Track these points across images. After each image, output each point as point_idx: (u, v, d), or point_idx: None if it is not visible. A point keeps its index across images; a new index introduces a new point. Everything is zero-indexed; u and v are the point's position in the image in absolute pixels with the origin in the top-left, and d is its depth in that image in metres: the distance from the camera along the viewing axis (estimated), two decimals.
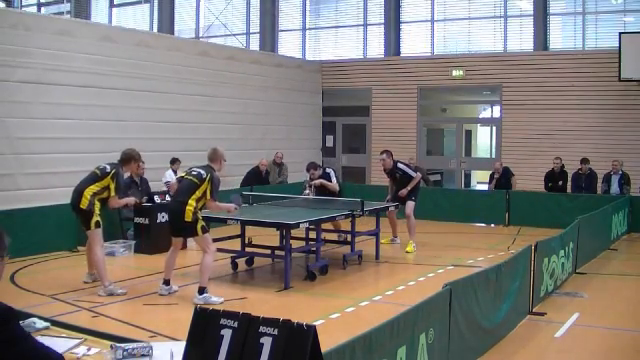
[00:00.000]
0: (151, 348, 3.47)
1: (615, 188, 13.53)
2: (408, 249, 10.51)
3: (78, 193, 7.67)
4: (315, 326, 2.81)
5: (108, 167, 7.81)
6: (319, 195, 10.95)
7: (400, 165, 10.97)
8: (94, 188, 7.67)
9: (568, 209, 12.42)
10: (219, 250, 8.70)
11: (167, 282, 7.65)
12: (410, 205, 10.73)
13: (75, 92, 11.82)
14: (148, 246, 10.16)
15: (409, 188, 10.73)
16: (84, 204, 7.60)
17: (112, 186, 7.71)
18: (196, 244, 7.90)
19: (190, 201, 7.28)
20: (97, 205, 7.68)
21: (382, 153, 11.06)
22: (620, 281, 8.77)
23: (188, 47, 14.90)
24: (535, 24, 16.21)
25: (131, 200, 8.81)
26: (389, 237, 11.12)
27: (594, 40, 15.86)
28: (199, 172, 7.50)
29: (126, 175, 8.43)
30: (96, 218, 7.65)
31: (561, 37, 16.49)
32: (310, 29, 19.61)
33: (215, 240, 8.72)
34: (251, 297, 7.58)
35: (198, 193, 7.36)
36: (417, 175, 10.93)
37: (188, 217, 7.26)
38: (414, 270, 9.25)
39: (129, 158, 8.01)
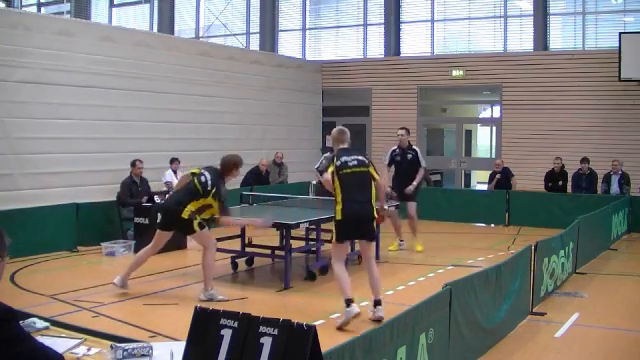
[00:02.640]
0: (151, 348, 3.47)
1: (615, 188, 13.53)
2: (419, 249, 10.37)
3: (176, 208, 7.20)
4: (315, 326, 2.81)
5: (210, 182, 7.21)
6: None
7: (415, 147, 10.60)
8: (194, 206, 7.17)
9: (568, 209, 12.41)
10: (219, 250, 8.71)
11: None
12: (413, 205, 10.41)
13: (75, 92, 11.82)
14: None
15: (415, 184, 10.25)
16: (185, 214, 7.14)
17: (214, 204, 7.19)
18: (196, 243, 7.78)
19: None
20: (200, 215, 7.25)
21: (401, 129, 10.67)
22: (620, 281, 8.76)
23: (188, 47, 14.90)
24: (535, 24, 16.22)
25: (257, 221, 7.76)
26: (396, 242, 10.68)
27: (594, 40, 15.87)
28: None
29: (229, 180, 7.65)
30: (198, 220, 7.21)
31: (561, 37, 16.50)
32: (310, 29, 19.61)
33: (215, 240, 8.75)
34: (251, 297, 7.58)
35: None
36: (424, 167, 10.56)
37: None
38: (414, 270, 9.24)
39: (231, 166, 7.41)
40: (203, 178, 7.29)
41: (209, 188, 7.19)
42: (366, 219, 6.25)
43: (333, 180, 6.26)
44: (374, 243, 6.27)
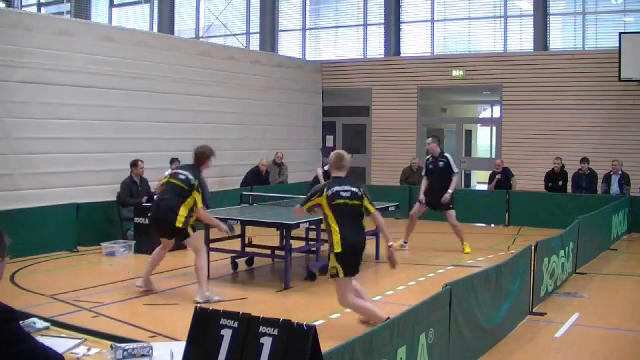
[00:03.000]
0: (151, 348, 3.47)
1: (615, 188, 13.53)
2: (467, 250, 10.38)
3: (170, 216, 7.19)
4: (315, 326, 2.81)
5: (190, 176, 7.24)
6: None
7: (448, 155, 10.59)
8: (185, 209, 7.19)
9: (568, 209, 12.42)
10: (219, 250, 8.74)
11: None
12: (452, 214, 10.40)
13: (75, 92, 11.82)
14: (148, 246, 10.09)
15: (451, 191, 10.33)
16: (180, 222, 7.17)
17: (198, 198, 7.19)
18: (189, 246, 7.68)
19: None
20: (192, 218, 7.33)
21: (429, 137, 10.79)
22: (620, 281, 8.76)
23: (188, 47, 14.90)
24: (535, 24, 16.22)
25: (223, 226, 7.60)
26: (399, 241, 10.70)
27: (594, 40, 15.86)
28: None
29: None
30: (191, 223, 7.31)
31: (561, 37, 16.50)
32: (310, 29, 19.61)
33: (215, 240, 8.76)
34: (251, 297, 7.58)
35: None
36: (457, 172, 10.62)
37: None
38: (414, 270, 9.25)
39: (204, 156, 7.49)
40: (182, 176, 7.32)
41: (192, 182, 7.23)
42: (362, 251, 5.92)
43: (323, 211, 5.86)
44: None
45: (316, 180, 11.87)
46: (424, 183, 10.77)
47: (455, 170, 10.56)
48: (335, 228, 5.70)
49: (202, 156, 7.49)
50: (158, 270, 8.69)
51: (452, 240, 10.89)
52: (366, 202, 5.90)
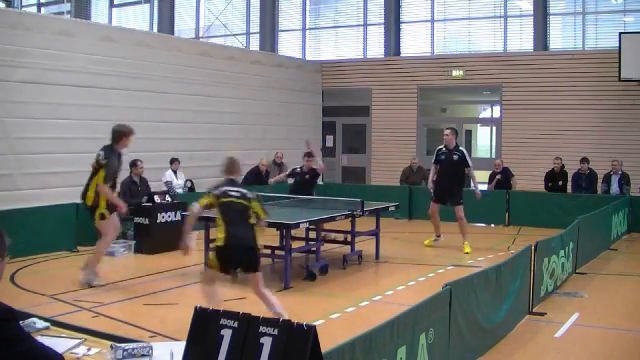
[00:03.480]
0: (151, 348, 3.47)
1: (615, 188, 13.53)
2: (467, 250, 10.39)
3: (85, 191, 7.84)
4: (315, 326, 2.81)
5: (101, 154, 7.76)
6: (299, 187, 11.05)
7: (462, 149, 10.63)
8: (94, 185, 7.76)
9: (568, 209, 12.42)
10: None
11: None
12: (461, 208, 10.52)
13: (75, 92, 11.82)
14: (148, 246, 10.16)
15: (479, 189, 10.78)
16: (89, 200, 7.75)
17: (102, 174, 7.69)
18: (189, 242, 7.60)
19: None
20: (103, 198, 7.74)
21: (447, 129, 10.78)
22: (620, 281, 8.76)
23: (188, 47, 14.90)
24: (535, 24, 16.22)
25: (122, 208, 7.95)
26: (431, 237, 11.01)
27: (594, 40, 15.86)
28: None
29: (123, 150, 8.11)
30: (101, 210, 7.74)
31: (561, 37, 16.50)
32: (310, 29, 19.61)
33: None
34: (251, 297, 7.56)
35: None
36: (471, 166, 10.67)
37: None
38: (414, 270, 9.25)
39: (118, 134, 7.85)
40: (96, 155, 7.80)
41: (101, 161, 7.69)
42: (248, 249, 5.99)
43: (213, 210, 6.10)
44: (259, 273, 5.96)
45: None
46: (433, 170, 10.81)
47: (470, 164, 10.57)
48: (221, 225, 5.92)
49: (116, 135, 7.85)
50: (158, 270, 8.72)
51: (452, 240, 10.90)
52: (257, 207, 6.08)
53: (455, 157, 10.49)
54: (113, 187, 7.91)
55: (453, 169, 10.50)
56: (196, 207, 6.12)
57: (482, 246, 11.11)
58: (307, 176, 10.99)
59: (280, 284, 8.03)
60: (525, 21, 16.64)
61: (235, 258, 5.93)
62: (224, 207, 5.96)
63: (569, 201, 13.21)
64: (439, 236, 11.05)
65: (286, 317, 5.51)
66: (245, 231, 5.93)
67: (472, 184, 10.56)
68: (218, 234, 5.91)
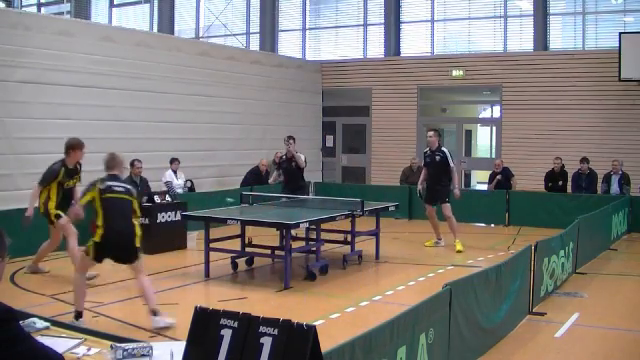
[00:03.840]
0: (151, 348, 3.47)
1: (615, 188, 13.53)
2: (459, 248, 10.46)
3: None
4: (315, 326, 2.81)
5: (53, 166, 8.11)
6: (289, 178, 11.16)
7: (444, 149, 10.79)
8: (44, 191, 8.12)
9: (568, 209, 12.42)
10: (219, 250, 8.73)
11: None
12: (448, 206, 10.66)
13: (75, 92, 11.82)
14: (148, 246, 10.03)
15: (457, 187, 10.75)
16: (41, 207, 8.14)
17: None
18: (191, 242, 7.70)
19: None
20: (52, 201, 8.04)
21: (431, 130, 10.99)
22: (620, 281, 8.76)
23: (188, 47, 14.90)
24: (535, 24, 16.21)
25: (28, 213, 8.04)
26: (433, 239, 11.09)
27: (594, 40, 15.86)
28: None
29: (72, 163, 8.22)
30: (55, 212, 8.06)
31: (561, 37, 16.49)
32: (310, 29, 19.61)
33: (215, 240, 8.76)
34: (251, 297, 7.58)
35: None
36: (452, 167, 10.72)
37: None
38: (414, 270, 9.25)
39: (67, 147, 8.15)
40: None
41: (47, 169, 8.09)
42: (126, 244, 6.15)
43: (95, 204, 6.13)
44: (138, 262, 6.19)
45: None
46: (423, 173, 11.15)
47: (452, 164, 10.66)
48: (101, 220, 6.03)
49: (66, 147, 8.14)
50: (158, 270, 8.72)
51: (452, 240, 10.89)
52: (135, 204, 6.30)
53: (437, 158, 10.70)
54: (65, 197, 8.10)
55: (437, 169, 10.73)
56: (77, 209, 6.48)
57: (482, 246, 11.11)
58: (293, 163, 11.09)
59: (280, 284, 8.03)
60: (525, 21, 16.64)
61: (112, 252, 6.16)
62: (107, 202, 6.06)
63: (569, 201, 13.21)
64: (440, 239, 11.11)
65: (161, 325, 6.02)
66: (126, 227, 6.11)
67: (452, 184, 10.67)
68: (98, 229, 6.03)
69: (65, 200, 8.04)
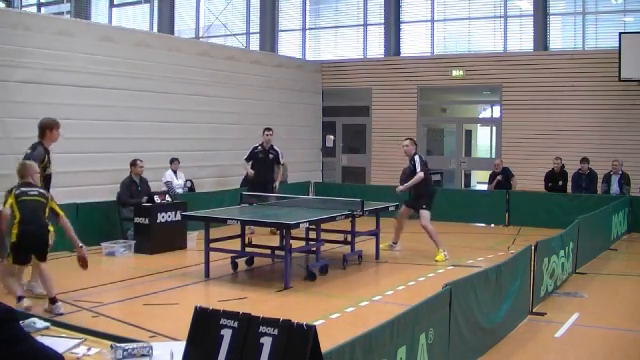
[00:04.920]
0: (151, 348, 3.47)
1: (615, 188, 13.53)
2: (438, 258, 9.91)
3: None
4: (315, 326, 2.81)
5: (28, 152, 7.72)
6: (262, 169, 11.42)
7: (416, 157, 10.56)
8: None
9: (568, 209, 12.42)
10: (219, 250, 8.73)
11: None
12: (425, 215, 10.22)
13: (75, 92, 11.81)
14: (148, 246, 10.16)
15: (408, 184, 10.34)
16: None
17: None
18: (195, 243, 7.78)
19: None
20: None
21: (406, 139, 10.81)
22: (620, 281, 8.76)
23: (188, 47, 14.89)
24: (535, 24, 16.21)
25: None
26: (388, 241, 10.74)
27: (594, 40, 15.86)
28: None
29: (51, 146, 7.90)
30: None
31: (561, 37, 16.49)
32: (310, 29, 19.61)
33: (215, 240, 8.77)
34: (251, 297, 7.58)
35: None
36: (419, 174, 10.34)
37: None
38: (414, 270, 9.25)
39: (42, 128, 7.74)
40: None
41: (27, 151, 7.75)
42: (40, 240, 6.71)
43: (13, 209, 6.63)
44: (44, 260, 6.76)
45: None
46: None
47: (418, 170, 10.31)
48: (16, 223, 6.58)
49: (41, 129, 7.76)
50: (158, 270, 8.72)
51: (452, 240, 10.89)
52: (53, 204, 6.91)
53: (412, 165, 10.52)
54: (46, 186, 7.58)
55: (410, 177, 10.48)
56: (6, 211, 6.69)
57: (482, 246, 11.11)
58: (271, 155, 11.08)
59: (280, 284, 8.03)
60: (525, 21, 16.63)
61: (28, 251, 6.68)
62: (21, 205, 6.66)
63: (569, 201, 13.21)
64: (395, 243, 10.75)
65: (61, 311, 6.42)
66: (38, 226, 6.66)
67: (409, 183, 10.43)
68: (13, 230, 6.55)
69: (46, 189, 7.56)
